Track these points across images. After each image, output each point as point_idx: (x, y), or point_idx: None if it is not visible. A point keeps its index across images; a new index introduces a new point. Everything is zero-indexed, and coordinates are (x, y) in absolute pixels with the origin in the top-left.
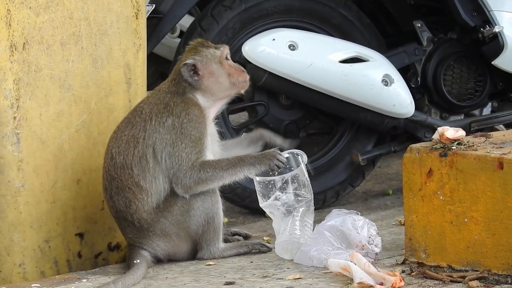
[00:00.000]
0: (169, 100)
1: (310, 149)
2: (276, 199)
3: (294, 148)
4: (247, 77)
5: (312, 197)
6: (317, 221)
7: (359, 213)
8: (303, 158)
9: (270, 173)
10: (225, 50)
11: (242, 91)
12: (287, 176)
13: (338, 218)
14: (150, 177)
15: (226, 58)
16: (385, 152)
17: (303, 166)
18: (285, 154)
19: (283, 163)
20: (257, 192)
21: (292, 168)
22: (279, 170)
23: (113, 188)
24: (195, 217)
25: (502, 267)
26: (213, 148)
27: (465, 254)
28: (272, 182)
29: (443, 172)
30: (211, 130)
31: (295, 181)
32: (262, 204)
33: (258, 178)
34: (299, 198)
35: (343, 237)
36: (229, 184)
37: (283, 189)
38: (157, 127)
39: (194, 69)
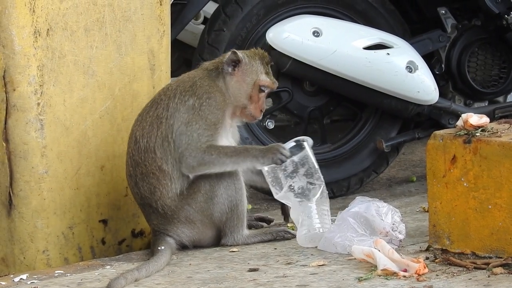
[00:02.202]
0: (197, 80)
1: (334, 135)
2: (290, 189)
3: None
4: (258, 117)
5: (324, 183)
6: (341, 208)
7: (383, 200)
8: (308, 142)
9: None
10: (268, 83)
11: (244, 120)
12: (288, 162)
13: (362, 204)
14: (171, 159)
15: (260, 89)
16: (409, 138)
17: (308, 150)
18: (289, 143)
19: (286, 157)
20: (269, 184)
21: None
22: (282, 164)
23: (138, 174)
24: (218, 204)
25: None
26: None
27: (489, 241)
28: (279, 169)
29: (467, 158)
30: (229, 125)
31: (303, 165)
32: (277, 195)
33: (266, 168)
34: (311, 186)
35: (367, 223)
36: (230, 171)
37: (293, 177)
38: (178, 105)
39: (235, 64)
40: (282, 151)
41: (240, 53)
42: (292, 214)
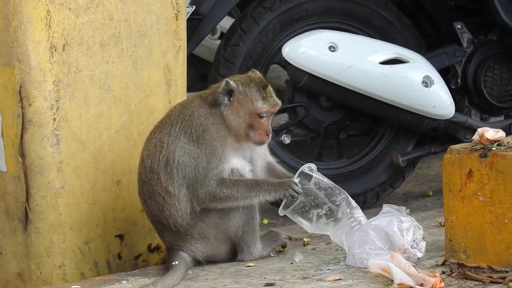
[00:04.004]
0: (196, 109)
1: (350, 150)
2: (319, 216)
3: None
4: (266, 140)
5: (346, 194)
6: None
7: (409, 210)
8: (312, 167)
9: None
10: (265, 109)
11: (253, 145)
12: (301, 198)
13: (385, 218)
14: (177, 183)
15: (260, 116)
16: (425, 153)
17: (316, 174)
18: (296, 177)
19: (298, 193)
20: (298, 223)
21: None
22: (292, 200)
23: (145, 192)
24: (235, 218)
25: None
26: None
27: (505, 255)
28: (300, 206)
29: (483, 173)
30: (236, 148)
31: (319, 190)
32: (311, 229)
33: (287, 212)
34: (337, 203)
35: (387, 238)
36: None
37: (316, 204)
38: (179, 134)
39: (231, 93)
40: (294, 187)
41: (233, 82)
42: (334, 238)
